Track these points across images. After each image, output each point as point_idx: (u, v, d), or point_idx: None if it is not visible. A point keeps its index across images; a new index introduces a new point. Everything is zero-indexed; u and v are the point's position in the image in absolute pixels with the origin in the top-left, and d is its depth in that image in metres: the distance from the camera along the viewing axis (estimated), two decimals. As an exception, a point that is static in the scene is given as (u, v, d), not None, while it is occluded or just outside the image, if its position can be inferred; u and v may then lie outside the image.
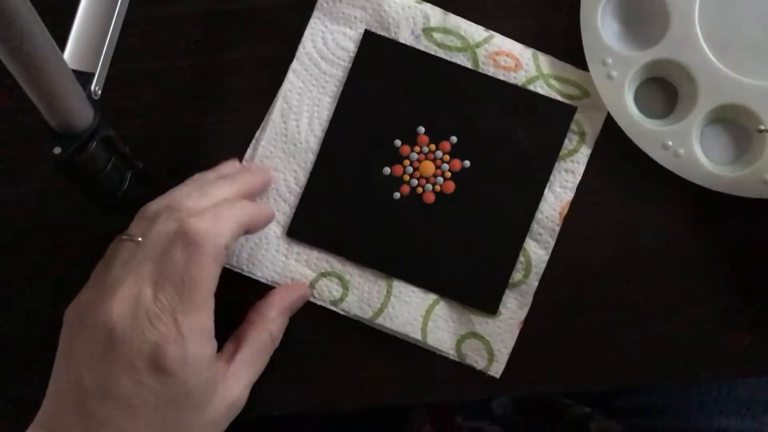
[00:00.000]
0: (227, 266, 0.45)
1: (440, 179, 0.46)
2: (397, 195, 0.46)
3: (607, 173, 0.46)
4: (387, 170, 0.46)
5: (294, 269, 0.46)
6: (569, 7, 0.46)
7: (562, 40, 0.46)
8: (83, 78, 0.39)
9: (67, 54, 0.40)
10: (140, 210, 0.41)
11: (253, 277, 0.46)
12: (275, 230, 0.46)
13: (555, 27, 0.46)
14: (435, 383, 0.46)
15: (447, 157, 0.46)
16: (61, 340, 0.40)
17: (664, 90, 0.46)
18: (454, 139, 0.46)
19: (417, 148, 0.46)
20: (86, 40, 0.40)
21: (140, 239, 0.39)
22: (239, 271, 0.46)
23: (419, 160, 0.46)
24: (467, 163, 0.46)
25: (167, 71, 0.48)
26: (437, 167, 0.46)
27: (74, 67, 0.39)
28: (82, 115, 0.37)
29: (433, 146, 0.46)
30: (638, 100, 0.46)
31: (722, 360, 0.45)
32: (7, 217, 0.47)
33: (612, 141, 0.45)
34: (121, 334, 0.36)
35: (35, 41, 0.31)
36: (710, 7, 0.45)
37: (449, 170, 0.46)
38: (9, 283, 0.47)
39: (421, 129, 0.46)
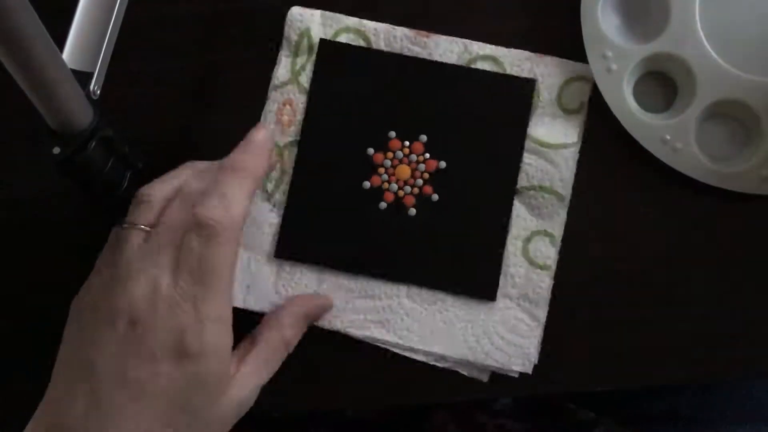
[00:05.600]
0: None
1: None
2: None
3: (605, 167, 0.45)
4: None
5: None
6: (570, 1, 0.46)
7: (563, 33, 0.46)
8: (82, 78, 0.39)
9: (66, 54, 0.40)
10: (138, 196, 0.41)
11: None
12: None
13: (555, 20, 0.46)
14: (435, 384, 0.45)
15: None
16: (69, 328, 0.40)
17: (663, 84, 0.46)
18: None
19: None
20: (85, 40, 0.41)
21: (146, 227, 0.39)
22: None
23: (393, 166, 0.45)
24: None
25: (167, 71, 0.48)
26: (413, 170, 0.45)
27: (73, 67, 0.39)
28: (82, 114, 0.37)
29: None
30: (637, 93, 0.46)
31: (722, 360, 0.45)
32: (6, 217, 0.47)
33: (610, 134, 0.45)
34: (143, 320, 0.37)
35: (34, 41, 0.31)
36: (711, 1, 0.45)
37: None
38: (8, 283, 0.47)
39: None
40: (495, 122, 0.46)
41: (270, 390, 0.42)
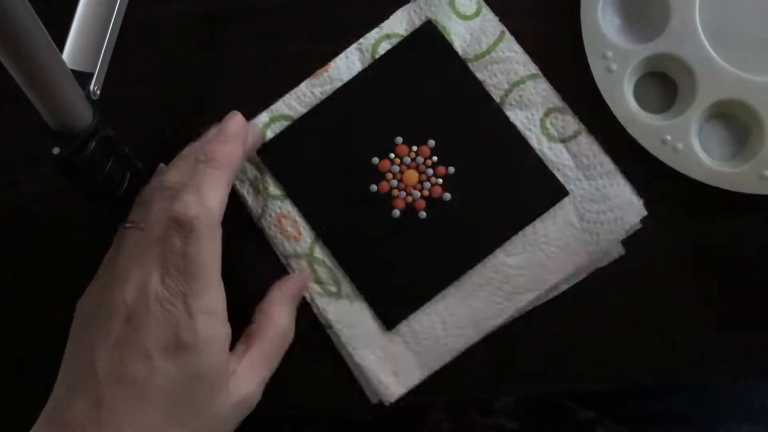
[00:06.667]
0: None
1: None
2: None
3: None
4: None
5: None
6: (570, 1, 0.46)
7: (562, 33, 0.46)
8: (82, 78, 0.39)
9: (66, 54, 0.40)
10: (138, 197, 0.43)
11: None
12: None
13: (555, 20, 0.46)
14: (436, 383, 0.45)
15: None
16: (74, 329, 0.41)
17: (664, 84, 0.46)
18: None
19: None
20: (85, 40, 0.40)
21: (143, 225, 0.40)
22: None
23: (402, 171, 0.45)
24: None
25: (167, 71, 0.48)
26: (421, 173, 0.45)
27: (73, 67, 0.39)
28: (81, 115, 0.37)
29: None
30: (637, 94, 0.46)
31: (722, 360, 0.45)
32: (6, 217, 0.47)
33: (610, 135, 0.45)
34: (137, 318, 0.37)
35: (34, 41, 0.31)
36: (711, 2, 0.45)
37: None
38: (9, 282, 0.47)
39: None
40: (437, 79, 0.46)
41: (269, 390, 0.42)
